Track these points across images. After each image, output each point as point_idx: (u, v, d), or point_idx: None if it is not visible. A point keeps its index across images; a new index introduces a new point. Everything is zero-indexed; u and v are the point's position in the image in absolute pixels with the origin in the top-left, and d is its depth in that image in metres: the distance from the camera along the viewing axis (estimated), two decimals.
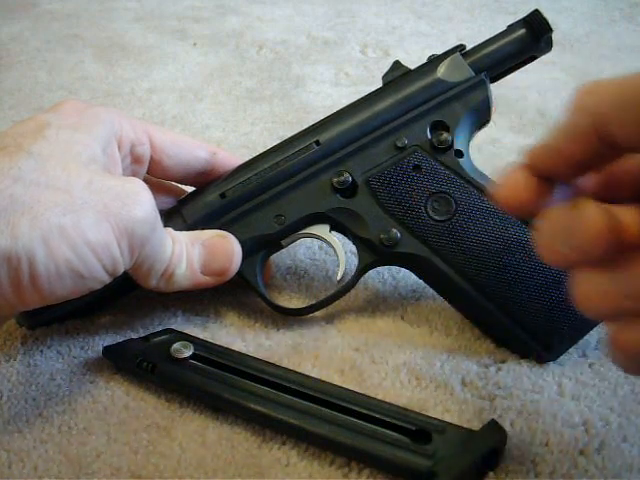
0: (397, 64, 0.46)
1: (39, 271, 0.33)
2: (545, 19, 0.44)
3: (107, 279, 0.37)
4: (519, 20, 0.45)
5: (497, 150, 0.66)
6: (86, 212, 0.34)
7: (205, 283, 0.42)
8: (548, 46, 0.45)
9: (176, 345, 0.40)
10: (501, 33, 0.45)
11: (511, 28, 0.45)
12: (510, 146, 0.67)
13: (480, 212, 0.42)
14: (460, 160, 0.43)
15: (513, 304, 0.41)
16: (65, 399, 0.40)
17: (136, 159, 0.43)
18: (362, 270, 0.44)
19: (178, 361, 0.40)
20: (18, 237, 0.32)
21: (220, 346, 0.42)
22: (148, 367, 0.40)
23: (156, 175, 0.45)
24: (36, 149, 0.35)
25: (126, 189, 0.36)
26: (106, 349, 0.42)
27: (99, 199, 0.35)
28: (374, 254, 0.44)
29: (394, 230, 0.43)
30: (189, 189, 0.48)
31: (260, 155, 0.46)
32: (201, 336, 0.43)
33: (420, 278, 0.45)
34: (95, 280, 0.36)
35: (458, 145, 0.44)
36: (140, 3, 1.12)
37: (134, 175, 0.44)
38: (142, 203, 0.37)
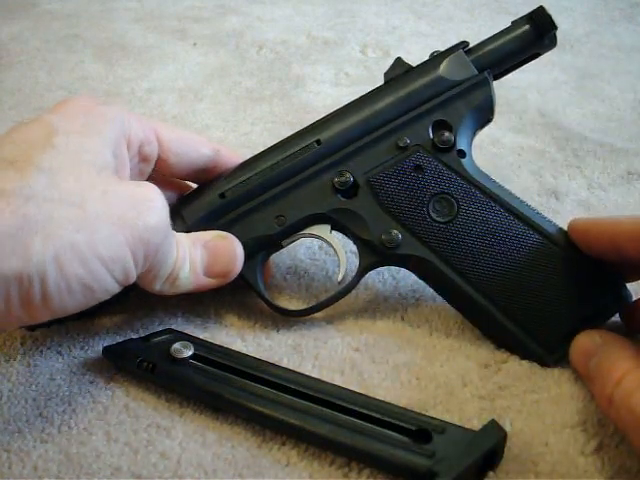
0: (399, 61, 0.46)
1: (50, 290, 0.33)
2: (550, 16, 0.43)
3: (118, 290, 0.37)
4: (523, 16, 0.44)
5: (497, 150, 0.66)
6: (100, 226, 0.34)
7: (208, 285, 0.42)
8: (552, 43, 0.44)
9: (176, 345, 0.40)
10: (505, 30, 0.45)
11: (515, 25, 0.45)
12: (510, 146, 0.67)
13: (482, 213, 0.42)
14: (462, 160, 0.43)
15: (515, 306, 0.41)
16: (65, 399, 0.40)
17: (144, 158, 0.43)
18: (363, 271, 0.44)
19: (178, 361, 0.40)
20: (31, 258, 0.32)
21: (220, 346, 0.42)
22: (148, 367, 0.39)
23: (161, 172, 0.45)
24: (46, 163, 0.34)
25: (140, 196, 0.36)
26: (106, 349, 0.42)
27: (114, 211, 0.35)
28: (375, 255, 0.44)
29: (395, 231, 0.43)
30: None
31: (260, 154, 0.45)
32: (201, 336, 0.43)
33: (421, 279, 0.45)
34: (106, 292, 0.36)
35: (460, 145, 0.43)
36: (140, 3, 1.12)
37: (141, 174, 0.43)
38: (156, 210, 0.36)
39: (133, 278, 0.37)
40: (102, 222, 0.34)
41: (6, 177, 0.33)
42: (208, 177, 0.46)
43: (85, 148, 0.36)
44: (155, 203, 0.37)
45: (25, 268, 0.32)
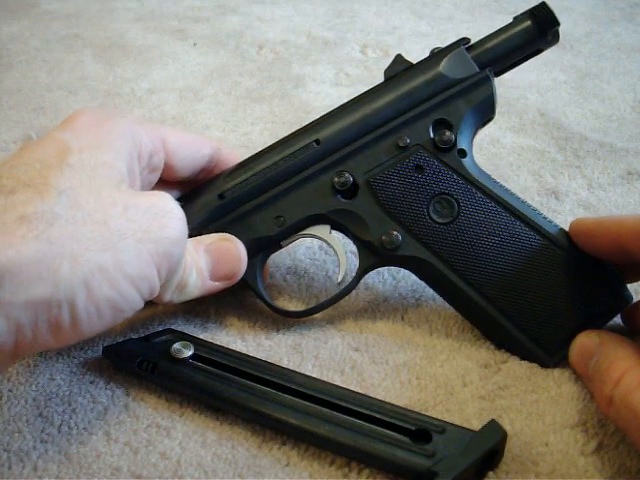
0: (399, 58, 0.45)
1: (80, 314, 0.32)
2: (552, 12, 0.43)
3: (142, 305, 0.37)
4: (524, 12, 0.44)
5: (497, 150, 0.66)
6: (125, 243, 0.34)
7: (215, 289, 0.42)
8: (554, 39, 0.44)
9: (176, 345, 0.40)
10: (506, 26, 0.44)
11: (516, 21, 0.44)
12: (510, 146, 0.67)
13: (483, 214, 0.42)
14: (463, 160, 0.43)
15: (515, 308, 0.41)
16: (65, 399, 0.40)
17: (152, 169, 0.42)
18: (363, 272, 0.44)
19: (178, 361, 0.40)
20: (59, 283, 0.31)
21: (220, 346, 0.42)
22: (148, 367, 0.39)
23: (167, 178, 0.44)
24: (65, 183, 0.33)
25: (160, 208, 0.36)
26: (106, 349, 0.42)
27: (137, 226, 0.34)
28: (375, 256, 0.43)
29: (395, 232, 0.42)
30: None
31: (259, 154, 0.45)
32: (201, 336, 0.43)
33: (422, 280, 0.45)
34: (133, 310, 0.36)
35: (461, 144, 0.43)
36: (140, 3, 1.12)
37: (149, 184, 0.43)
38: (177, 221, 0.36)
39: (156, 293, 0.37)
40: (127, 239, 0.34)
41: (26, 200, 0.32)
42: (208, 176, 0.46)
43: (100, 163, 0.36)
44: (175, 214, 0.37)
45: (54, 294, 0.31)
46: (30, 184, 0.33)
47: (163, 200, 0.37)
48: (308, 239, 0.49)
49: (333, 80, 0.83)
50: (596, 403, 0.36)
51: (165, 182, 0.45)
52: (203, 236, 0.43)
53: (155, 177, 0.43)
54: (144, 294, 0.36)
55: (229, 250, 0.42)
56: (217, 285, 0.42)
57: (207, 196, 0.45)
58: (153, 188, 0.44)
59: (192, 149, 0.44)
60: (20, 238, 0.31)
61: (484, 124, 0.45)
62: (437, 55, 0.44)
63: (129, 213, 0.34)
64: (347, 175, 0.43)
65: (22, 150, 0.35)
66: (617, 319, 0.42)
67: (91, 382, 0.41)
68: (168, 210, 0.36)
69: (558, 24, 0.43)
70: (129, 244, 0.34)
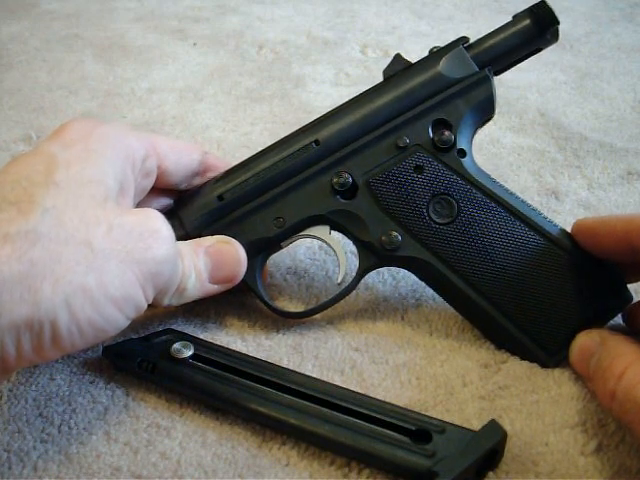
0: (398, 57, 0.45)
1: (62, 334, 0.32)
2: (551, 10, 0.43)
3: (128, 323, 0.36)
4: (524, 11, 0.44)
5: (497, 150, 0.66)
6: (109, 265, 0.33)
7: (214, 291, 0.42)
8: (554, 38, 0.44)
9: (176, 345, 0.40)
10: (505, 25, 0.44)
11: (516, 20, 0.44)
12: (510, 146, 0.67)
13: (483, 215, 0.42)
14: (463, 160, 0.43)
15: (516, 309, 0.41)
16: (65, 399, 0.40)
17: (146, 174, 0.42)
18: (362, 273, 0.44)
19: (178, 361, 0.40)
20: (40, 303, 0.31)
21: (220, 346, 0.42)
22: (148, 367, 0.40)
23: (160, 183, 0.44)
24: (50, 201, 0.33)
25: (146, 227, 0.36)
26: (106, 349, 0.42)
27: (121, 247, 0.34)
28: (374, 257, 0.43)
29: (395, 233, 0.42)
30: None
31: (258, 154, 0.45)
32: (201, 336, 0.43)
33: (422, 280, 0.44)
34: (117, 330, 0.36)
35: (461, 144, 0.43)
36: (140, 3, 1.12)
37: (143, 191, 0.43)
38: (164, 240, 0.36)
39: (143, 310, 0.37)
40: (111, 261, 0.33)
41: (10, 220, 0.32)
42: (198, 182, 0.46)
43: (87, 179, 0.35)
44: (162, 233, 0.36)
45: (35, 314, 0.31)
46: (15, 202, 0.33)
47: (150, 219, 0.36)
48: (308, 239, 0.49)
49: (333, 80, 0.83)
50: (598, 400, 0.36)
51: (159, 190, 0.45)
52: (202, 238, 0.42)
53: (149, 183, 0.43)
54: (129, 314, 0.36)
55: (229, 253, 0.42)
56: (216, 288, 0.42)
57: (206, 197, 0.44)
58: (147, 195, 0.44)
59: (182, 153, 0.44)
60: (5, 258, 0.31)
61: (483, 124, 0.45)
62: (436, 54, 0.44)
63: (114, 233, 0.34)
64: (346, 175, 0.43)
65: (10, 165, 0.35)
66: (617, 319, 0.42)
67: (91, 382, 0.41)
68: (155, 229, 0.36)
69: (557, 23, 0.43)
70: (113, 265, 0.34)
